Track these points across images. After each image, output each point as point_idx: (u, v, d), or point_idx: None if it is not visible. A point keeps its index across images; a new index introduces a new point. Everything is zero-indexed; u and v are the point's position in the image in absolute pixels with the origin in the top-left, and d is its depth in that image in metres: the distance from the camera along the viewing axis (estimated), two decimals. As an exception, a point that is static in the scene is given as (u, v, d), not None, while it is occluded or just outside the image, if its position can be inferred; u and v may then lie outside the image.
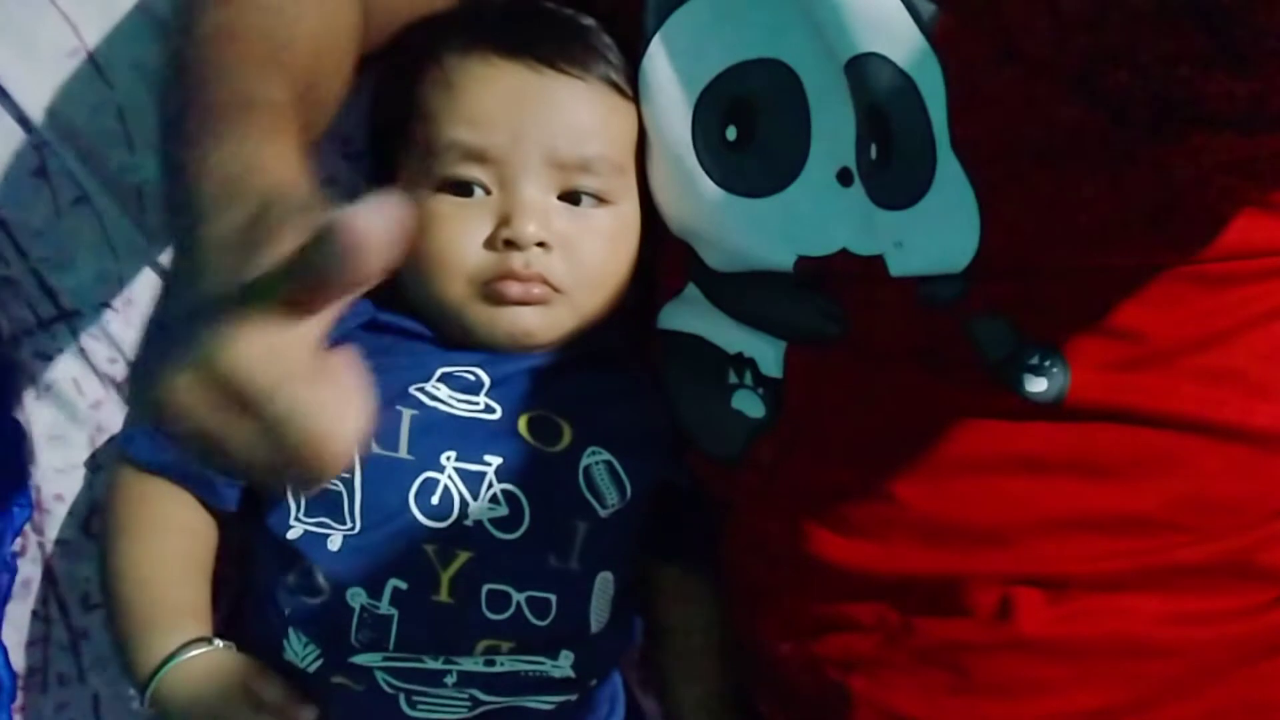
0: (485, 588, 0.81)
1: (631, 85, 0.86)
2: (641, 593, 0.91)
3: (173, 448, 0.54)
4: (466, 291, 0.84)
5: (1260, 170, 0.73)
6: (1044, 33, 0.71)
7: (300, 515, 0.82)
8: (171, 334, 0.54)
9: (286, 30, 0.73)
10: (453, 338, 0.86)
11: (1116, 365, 0.76)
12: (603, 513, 0.85)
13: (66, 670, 0.93)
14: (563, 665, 0.83)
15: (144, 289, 0.91)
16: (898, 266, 0.77)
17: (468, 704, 0.83)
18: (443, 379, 0.84)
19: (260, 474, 0.52)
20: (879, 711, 0.81)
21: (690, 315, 0.87)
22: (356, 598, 0.80)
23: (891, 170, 0.77)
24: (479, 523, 0.81)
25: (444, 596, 0.81)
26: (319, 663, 0.82)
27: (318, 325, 0.51)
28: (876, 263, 0.78)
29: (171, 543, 0.85)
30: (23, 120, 0.89)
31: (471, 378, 0.85)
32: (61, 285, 0.91)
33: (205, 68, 0.70)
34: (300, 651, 0.82)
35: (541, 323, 0.85)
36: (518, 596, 0.82)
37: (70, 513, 0.92)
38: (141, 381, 0.55)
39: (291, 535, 0.81)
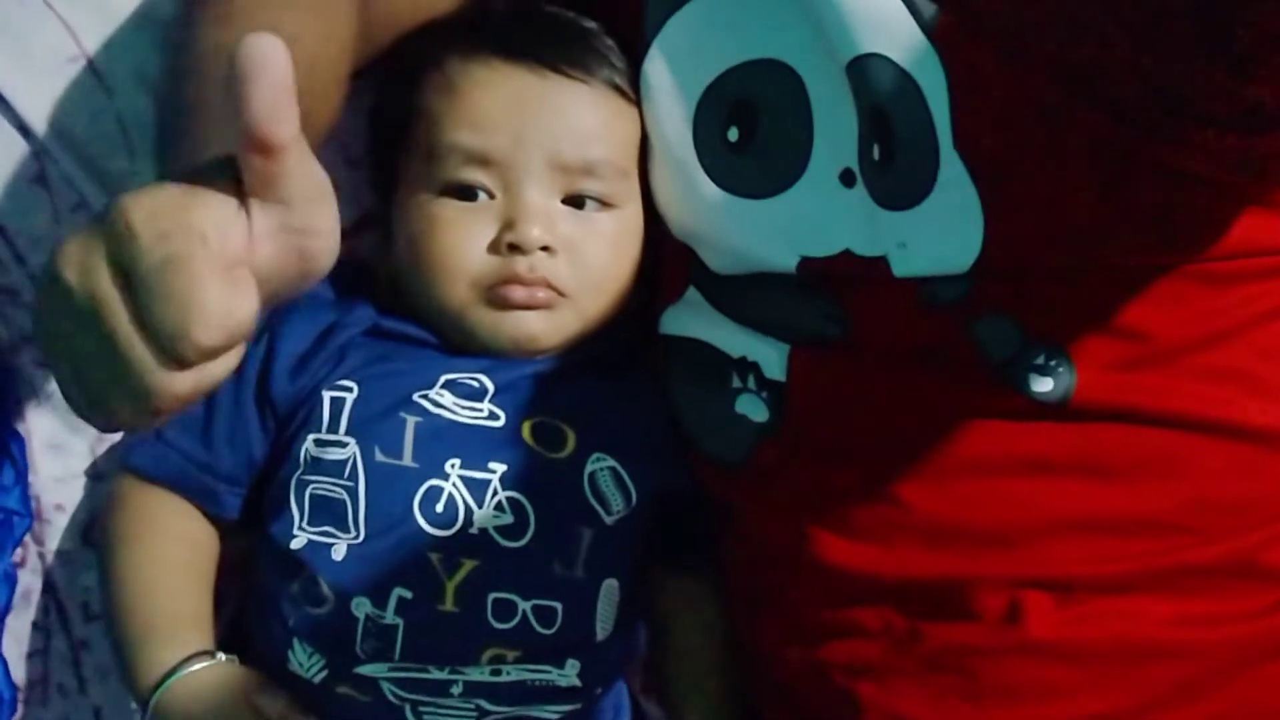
0: (491, 596, 0.81)
1: (634, 88, 0.86)
2: (644, 597, 0.90)
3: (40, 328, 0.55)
4: (470, 296, 0.84)
5: (1261, 170, 0.73)
6: (1045, 32, 0.71)
7: (304, 524, 0.81)
8: None
9: None
10: (456, 343, 0.85)
11: (1121, 365, 0.76)
12: (608, 519, 0.84)
13: (67, 682, 0.93)
14: (569, 674, 0.83)
15: (143, 296, 0.90)
16: (901, 267, 0.77)
17: (474, 714, 0.82)
18: (446, 385, 0.84)
19: (116, 367, 0.52)
20: (888, 717, 0.80)
21: (692, 319, 0.87)
22: (361, 607, 0.80)
23: (894, 171, 0.76)
24: (484, 531, 0.81)
25: (449, 605, 0.80)
26: (324, 673, 0.81)
27: (253, 222, 0.52)
28: (880, 264, 0.78)
29: (173, 553, 0.84)
30: (22, 128, 0.89)
31: (475, 384, 0.84)
32: (61, 293, 0.90)
33: (202, 87, 0.70)
34: (305, 662, 0.81)
35: (546, 327, 0.85)
36: (523, 605, 0.81)
37: (70, 523, 0.91)
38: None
39: (295, 545, 0.81)
